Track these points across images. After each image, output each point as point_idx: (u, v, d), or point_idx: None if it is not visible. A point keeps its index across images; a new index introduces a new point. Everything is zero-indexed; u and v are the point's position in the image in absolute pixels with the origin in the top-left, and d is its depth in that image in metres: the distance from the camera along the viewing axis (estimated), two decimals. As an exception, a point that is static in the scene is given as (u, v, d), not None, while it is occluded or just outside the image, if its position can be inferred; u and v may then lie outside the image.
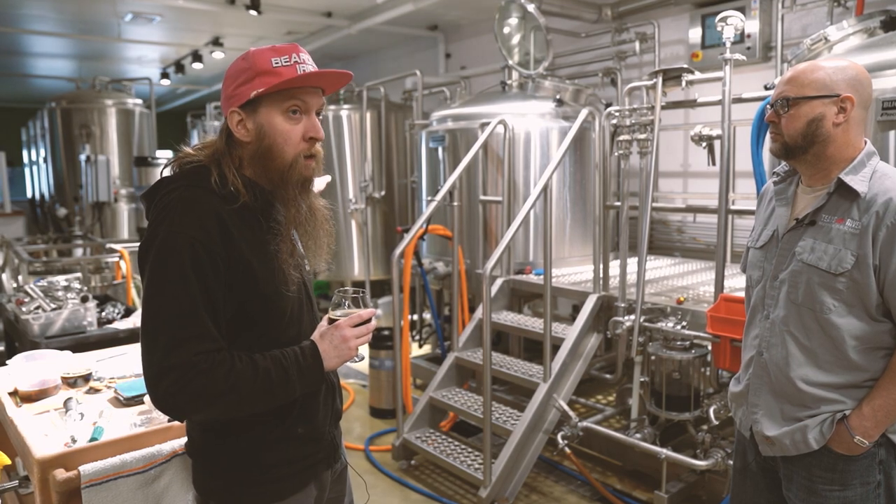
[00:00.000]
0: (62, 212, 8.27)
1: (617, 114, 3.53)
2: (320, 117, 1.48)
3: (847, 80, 1.67)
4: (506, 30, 5.00)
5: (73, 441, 1.84)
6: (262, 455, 1.48)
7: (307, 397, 1.51)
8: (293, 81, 1.38)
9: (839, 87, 1.66)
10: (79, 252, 7.21)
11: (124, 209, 8.21)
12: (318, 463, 1.58)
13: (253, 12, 6.21)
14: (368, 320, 1.48)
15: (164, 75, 9.66)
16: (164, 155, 8.12)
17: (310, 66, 1.42)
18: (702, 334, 3.11)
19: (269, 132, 1.41)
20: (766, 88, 3.20)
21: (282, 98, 1.40)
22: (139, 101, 8.82)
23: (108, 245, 6.07)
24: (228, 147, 1.45)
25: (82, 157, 8.05)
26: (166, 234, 1.33)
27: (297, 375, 1.40)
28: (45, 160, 8.91)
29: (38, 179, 9.83)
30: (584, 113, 3.90)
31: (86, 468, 1.71)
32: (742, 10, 4.52)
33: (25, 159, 11.42)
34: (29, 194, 11.06)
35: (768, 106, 1.77)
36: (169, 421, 1.96)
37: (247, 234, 1.41)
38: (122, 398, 2.16)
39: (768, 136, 1.78)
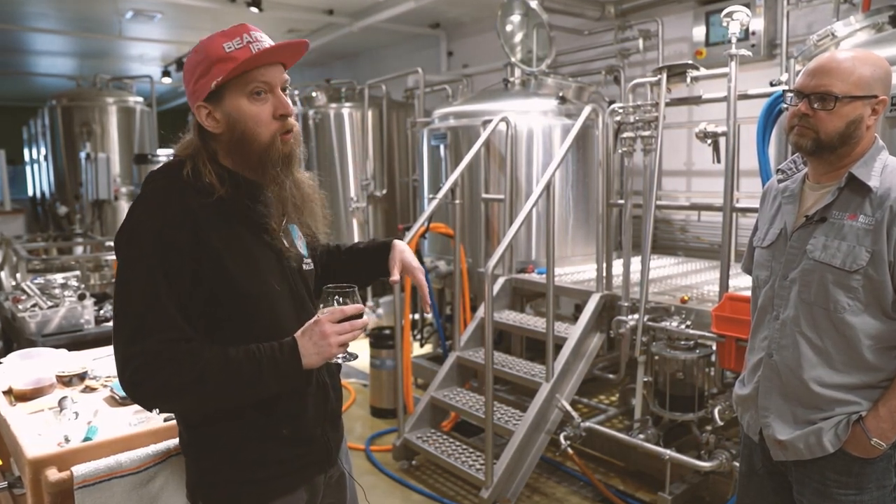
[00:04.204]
0: (63, 210, 8.26)
1: (620, 111, 3.50)
2: (287, 93, 1.45)
3: (882, 81, 1.63)
4: (508, 27, 4.97)
5: (67, 441, 1.81)
6: (246, 455, 1.45)
7: (291, 397, 1.46)
8: (249, 62, 1.35)
9: (877, 88, 1.62)
10: (79, 250, 7.19)
11: (124, 207, 8.17)
12: (308, 466, 1.54)
13: (254, 10, 6.20)
14: (357, 317, 1.41)
15: (166, 73, 9.62)
16: (165, 153, 8.10)
17: (265, 42, 1.39)
18: (706, 334, 3.08)
19: (239, 118, 1.39)
20: (772, 85, 3.17)
21: (243, 82, 1.37)
22: (140, 99, 8.80)
23: (107, 243, 6.05)
24: (203, 141, 1.43)
25: (83, 155, 8.03)
26: (134, 225, 1.35)
27: (270, 370, 1.35)
28: (46, 158, 8.90)
29: (39, 177, 9.82)
30: (587, 110, 3.87)
31: (78, 469, 1.68)
32: (747, 6, 4.47)
33: (26, 157, 11.41)
34: (30, 192, 11.06)
35: (788, 93, 1.72)
36: (165, 420, 1.93)
37: (221, 226, 1.39)
38: (117, 397, 2.12)
39: (792, 129, 1.68)
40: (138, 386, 1.31)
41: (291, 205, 1.47)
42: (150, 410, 1.40)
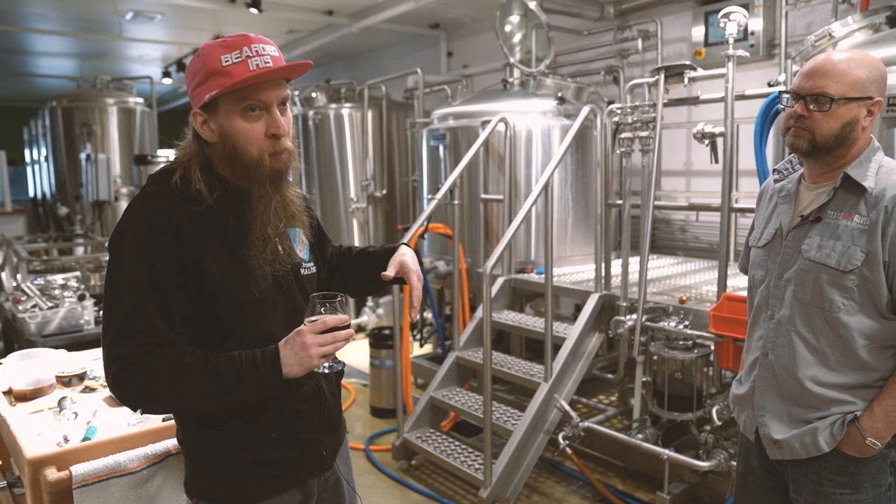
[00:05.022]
0: (63, 210, 8.27)
1: (619, 111, 3.50)
2: (287, 106, 1.43)
3: (878, 82, 1.64)
4: (507, 28, 4.97)
5: (66, 441, 1.82)
6: (235, 454, 1.47)
7: (279, 401, 1.47)
8: (244, 82, 1.34)
9: (872, 90, 1.62)
10: (79, 251, 7.20)
11: (125, 208, 8.19)
12: (300, 469, 1.54)
13: (254, 10, 6.20)
14: (342, 328, 1.39)
15: (166, 74, 9.64)
16: (165, 154, 8.11)
17: (266, 56, 1.36)
18: (704, 334, 3.09)
19: (231, 133, 1.38)
20: (770, 85, 3.17)
21: (237, 98, 1.36)
22: (140, 99, 8.80)
23: (107, 244, 6.05)
24: (199, 146, 1.43)
25: (83, 156, 8.04)
26: (121, 230, 1.37)
27: (251, 378, 1.35)
28: (47, 159, 8.90)
29: (40, 178, 9.83)
30: (585, 110, 3.87)
31: (77, 468, 1.69)
32: (746, 6, 4.48)
33: (27, 158, 11.42)
34: (30, 193, 11.07)
35: (784, 95, 1.72)
36: (163, 420, 1.94)
37: (209, 233, 1.39)
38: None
39: (788, 130, 1.69)
40: (120, 387, 1.34)
41: (273, 223, 1.44)
42: (134, 410, 1.42)
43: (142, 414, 1.84)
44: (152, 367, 1.31)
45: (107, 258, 5.97)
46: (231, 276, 1.39)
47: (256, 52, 1.36)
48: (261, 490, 1.49)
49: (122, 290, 1.34)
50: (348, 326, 1.40)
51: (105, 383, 2.30)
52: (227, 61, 1.34)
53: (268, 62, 1.36)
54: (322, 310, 1.39)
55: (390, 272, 1.64)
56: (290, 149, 1.44)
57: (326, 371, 1.42)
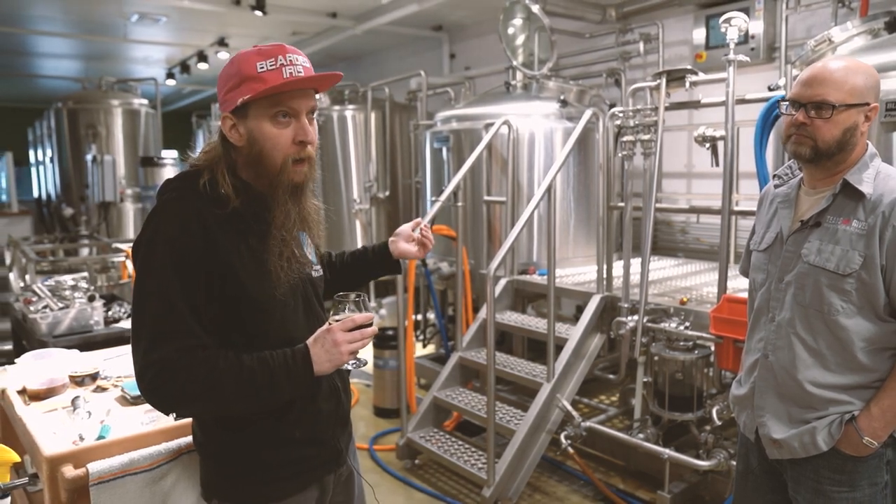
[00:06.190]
0: (68, 211, 8.31)
1: (621, 114, 3.54)
2: (314, 116, 1.47)
3: (873, 89, 1.68)
4: (510, 30, 5.01)
5: (81, 439, 1.85)
6: (259, 455, 1.50)
7: (304, 401, 1.51)
8: (277, 88, 1.38)
9: (869, 96, 1.67)
10: (85, 252, 7.24)
11: (130, 209, 8.24)
12: (319, 467, 1.58)
13: (258, 13, 6.23)
14: (367, 325, 1.45)
15: (170, 75, 9.70)
16: (170, 155, 8.15)
17: (299, 66, 1.41)
18: (705, 335, 3.12)
19: (259, 138, 1.41)
20: (770, 89, 3.21)
21: (269, 104, 1.40)
22: (145, 101, 8.84)
23: (114, 245, 6.11)
24: (225, 150, 1.47)
25: (88, 157, 8.09)
26: (151, 235, 1.39)
27: (283, 378, 1.39)
28: (52, 160, 8.95)
29: (45, 179, 9.88)
30: (587, 113, 3.91)
31: (94, 466, 1.72)
32: (746, 10, 4.52)
33: (32, 159, 11.46)
34: (35, 194, 11.11)
35: (782, 102, 1.76)
36: (175, 419, 1.98)
37: (234, 237, 1.42)
38: (128, 397, 2.17)
39: (788, 138, 1.73)
40: (156, 392, 1.36)
41: (289, 230, 1.48)
42: (167, 415, 1.45)
43: (176, 419, 1.88)
44: (188, 371, 1.34)
45: (114, 259, 5.98)
46: (255, 279, 1.43)
47: (290, 61, 1.40)
48: (283, 489, 1.52)
49: (154, 295, 1.36)
50: (372, 324, 1.47)
51: (116, 383, 2.34)
52: (263, 68, 1.38)
53: (300, 72, 1.41)
54: (349, 308, 1.45)
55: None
56: (313, 158, 1.48)
57: (351, 368, 1.48)
